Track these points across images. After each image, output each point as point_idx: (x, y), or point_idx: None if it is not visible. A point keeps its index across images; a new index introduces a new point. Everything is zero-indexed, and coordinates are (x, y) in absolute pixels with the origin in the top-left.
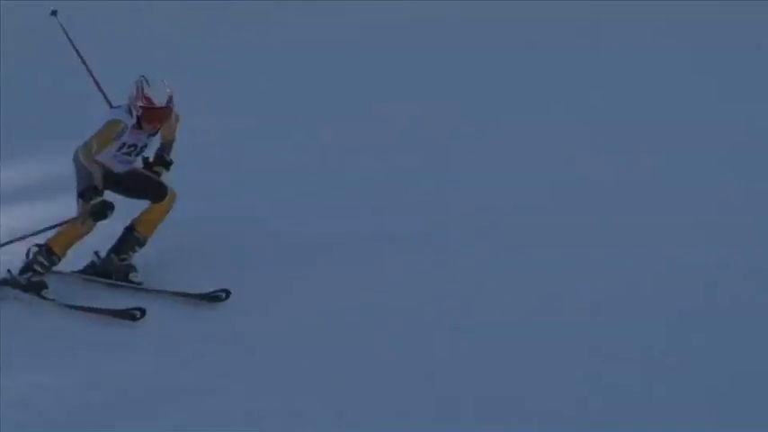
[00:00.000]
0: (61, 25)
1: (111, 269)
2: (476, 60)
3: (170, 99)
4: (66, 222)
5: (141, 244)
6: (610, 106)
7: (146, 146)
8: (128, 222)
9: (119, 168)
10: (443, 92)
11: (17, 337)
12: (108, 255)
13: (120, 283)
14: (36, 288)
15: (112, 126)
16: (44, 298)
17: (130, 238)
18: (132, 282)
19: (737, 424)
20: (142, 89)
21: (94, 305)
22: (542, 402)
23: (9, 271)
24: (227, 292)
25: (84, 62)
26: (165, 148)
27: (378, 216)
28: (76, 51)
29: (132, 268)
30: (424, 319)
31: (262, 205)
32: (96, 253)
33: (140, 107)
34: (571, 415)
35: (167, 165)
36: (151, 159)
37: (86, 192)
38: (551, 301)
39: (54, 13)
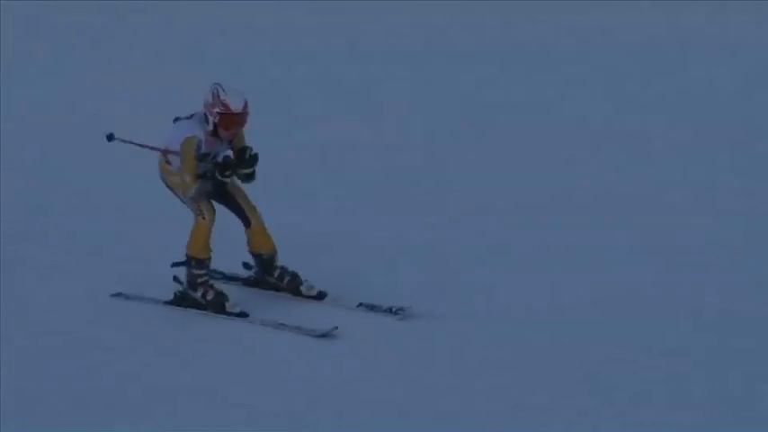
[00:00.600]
0: (123, 140)
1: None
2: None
3: (246, 104)
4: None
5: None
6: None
7: (218, 153)
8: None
9: (207, 186)
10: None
11: None
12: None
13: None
14: (218, 304)
15: (189, 146)
16: (235, 314)
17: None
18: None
19: None
20: (218, 95)
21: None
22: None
23: (179, 292)
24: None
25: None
26: (237, 154)
27: (379, 216)
28: (150, 147)
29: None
30: (421, 320)
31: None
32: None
33: (218, 113)
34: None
35: (253, 160)
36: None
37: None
38: (553, 301)
39: (110, 137)
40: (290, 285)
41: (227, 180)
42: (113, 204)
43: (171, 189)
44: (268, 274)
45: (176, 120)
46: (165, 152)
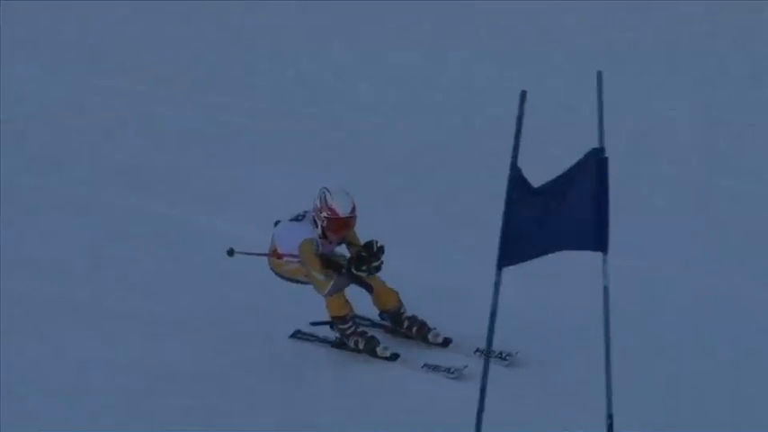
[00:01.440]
0: (243, 253)
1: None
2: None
3: (353, 208)
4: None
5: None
6: None
7: (332, 253)
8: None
9: (344, 281)
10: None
11: None
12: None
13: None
14: (370, 350)
15: (308, 247)
16: (386, 358)
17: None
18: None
19: None
20: (326, 200)
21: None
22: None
23: (336, 339)
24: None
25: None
26: (365, 247)
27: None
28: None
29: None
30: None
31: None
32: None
33: (325, 218)
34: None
35: (380, 252)
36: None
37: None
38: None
39: (231, 253)
40: (419, 334)
41: (363, 275)
42: None
43: (289, 277)
44: (398, 326)
45: (277, 222)
46: (279, 257)
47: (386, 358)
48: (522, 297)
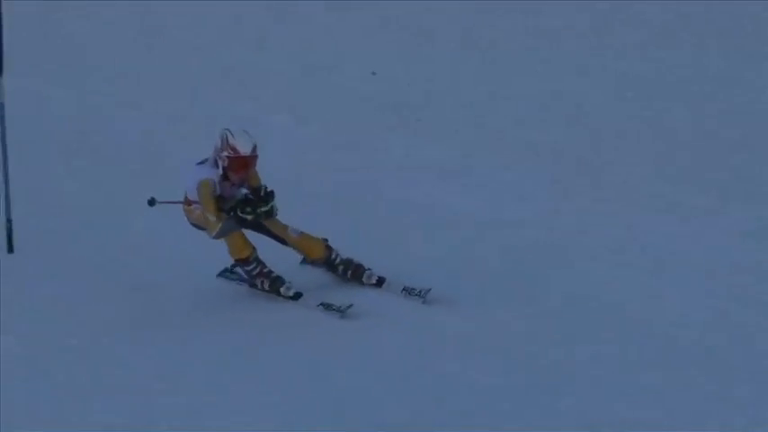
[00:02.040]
0: (163, 202)
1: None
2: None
3: (254, 147)
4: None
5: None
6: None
7: (233, 196)
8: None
9: (231, 224)
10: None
11: None
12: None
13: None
14: (274, 291)
15: (205, 187)
16: (290, 297)
17: None
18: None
19: None
20: (227, 140)
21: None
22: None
23: (240, 282)
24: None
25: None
26: (253, 192)
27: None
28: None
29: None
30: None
31: None
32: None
33: (226, 157)
34: None
35: (269, 196)
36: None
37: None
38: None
39: (152, 203)
40: (354, 277)
41: (249, 217)
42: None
43: (197, 226)
44: (333, 272)
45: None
46: (189, 203)
47: (289, 297)
48: None
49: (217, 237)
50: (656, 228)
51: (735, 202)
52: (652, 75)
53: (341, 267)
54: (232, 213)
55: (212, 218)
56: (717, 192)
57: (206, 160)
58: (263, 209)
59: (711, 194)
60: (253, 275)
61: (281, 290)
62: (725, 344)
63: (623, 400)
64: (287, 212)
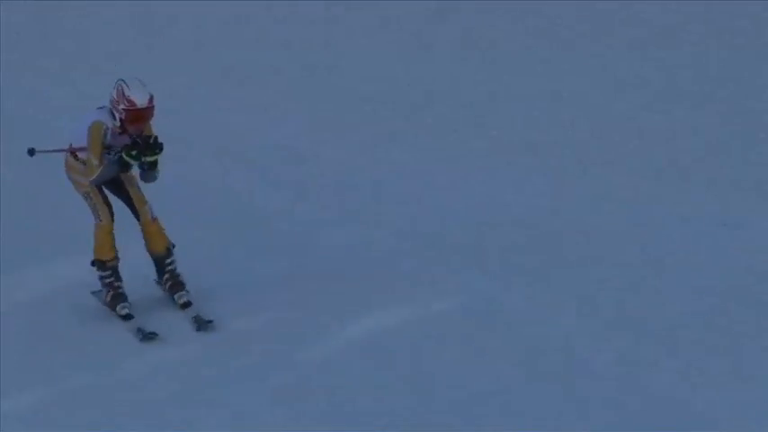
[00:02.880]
0: (43, 151)
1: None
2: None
3: (151, 99)
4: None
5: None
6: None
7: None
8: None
9: (110, 171)
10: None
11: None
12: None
13: None
14: (112, 306)
15: (97, 130)
16: (121, 316)
17: None
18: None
19: None
20: (122, 92)
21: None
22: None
23: (93, 293)
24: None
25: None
26: (143, 140)
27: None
28: (65, 150)
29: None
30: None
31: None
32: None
33: (123, 109)
34: None
35: (157, 146)
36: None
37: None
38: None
39: (31, 152)
40: (171, 291)
41: (133, 162)
42: None
43: (73, 184)
44: (159, 275)
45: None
46: (75, 150)
47: (121, 317)
48: None
49: (94, 182)
50: (656, 227)
51: (735, 201)
52: (652, 75)
53: (167, 276)
54: (116, 156)
55: (95, 161)
56: (719, 192)
57: (104, 107)
58: (149, 158)
59: (712, 194)
60: (104, 283)
61: (117, 307)
62: (726, 343)
63: (623, 399)
64: (288, 212)
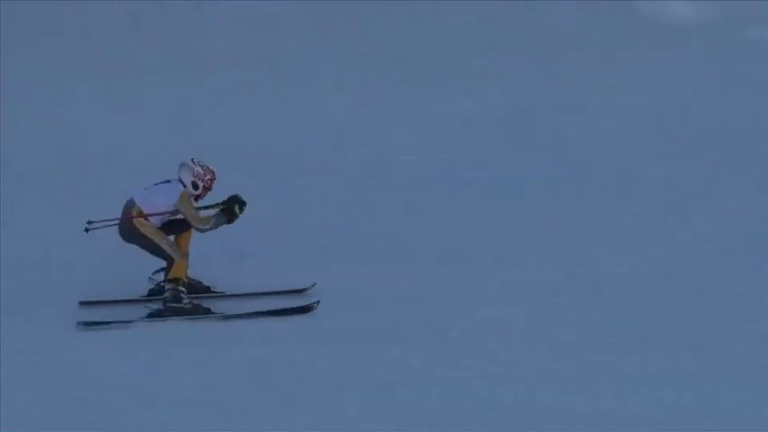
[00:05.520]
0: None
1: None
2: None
3: None
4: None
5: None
6: None
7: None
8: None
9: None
10: None
11: None
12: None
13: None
14: (197, 309)
15: (187, 197)
16: (208, 313)
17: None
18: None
19: None
20: (207, 166)
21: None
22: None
23: (158, 309)
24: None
25: None
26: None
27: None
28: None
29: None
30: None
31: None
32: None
33: (209, 180)
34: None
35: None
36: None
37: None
38: None
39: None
40: (150, 293)
41: (240, 215)
42: None
43: (143, 238)
44: (150, 289)
45: (145, 189)
46: (147, 215)
47: (204, 310)
48: None
49: (211, 228)
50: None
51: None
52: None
53: (154, 291)
54: (225, 207)
55: (200, 222)
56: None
57: (171, 180)
58: (243, 211)
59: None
60: (180, 294)
61: (201, 310)
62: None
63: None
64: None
